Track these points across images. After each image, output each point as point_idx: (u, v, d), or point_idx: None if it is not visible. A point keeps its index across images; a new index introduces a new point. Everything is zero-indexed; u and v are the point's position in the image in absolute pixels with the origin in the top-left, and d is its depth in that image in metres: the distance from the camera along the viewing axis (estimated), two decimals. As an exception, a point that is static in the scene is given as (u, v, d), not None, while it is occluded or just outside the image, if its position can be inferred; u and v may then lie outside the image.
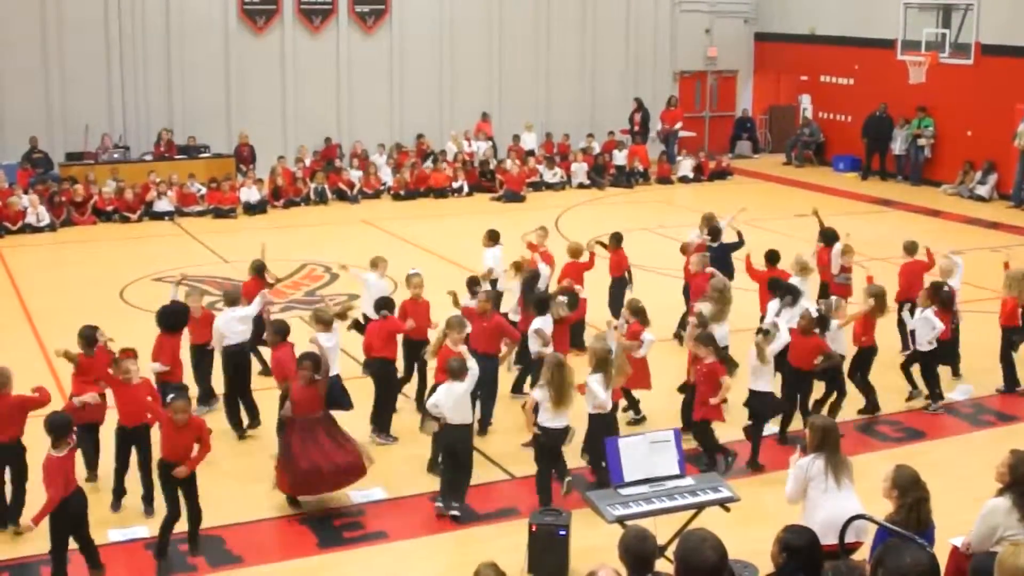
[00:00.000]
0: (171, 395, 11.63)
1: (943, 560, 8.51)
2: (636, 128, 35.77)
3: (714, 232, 18.62)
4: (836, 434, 10.09)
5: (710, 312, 14.82)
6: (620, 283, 18.46)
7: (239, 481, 13.27)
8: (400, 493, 13.08)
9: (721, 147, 38.28)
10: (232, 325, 14.74)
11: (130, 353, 12.51)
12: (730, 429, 14.14)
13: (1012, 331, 16.20)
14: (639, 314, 14.74)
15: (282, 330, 13.95)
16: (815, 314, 14.69)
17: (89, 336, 13.05)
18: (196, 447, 11.43)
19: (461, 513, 12.38)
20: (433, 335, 14.59)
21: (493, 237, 18.37)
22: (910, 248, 17.75)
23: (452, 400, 12.25)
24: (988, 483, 9.26)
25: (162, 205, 28.46)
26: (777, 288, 15.73)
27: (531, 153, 33.91)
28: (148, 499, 12.45)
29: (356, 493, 12.92)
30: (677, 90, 38.11)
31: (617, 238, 18.63)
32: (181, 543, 11.62)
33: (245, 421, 14.76)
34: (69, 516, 10.56)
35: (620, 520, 10.04)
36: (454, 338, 13.38)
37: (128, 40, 31.33)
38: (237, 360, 14.77)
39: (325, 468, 12.40)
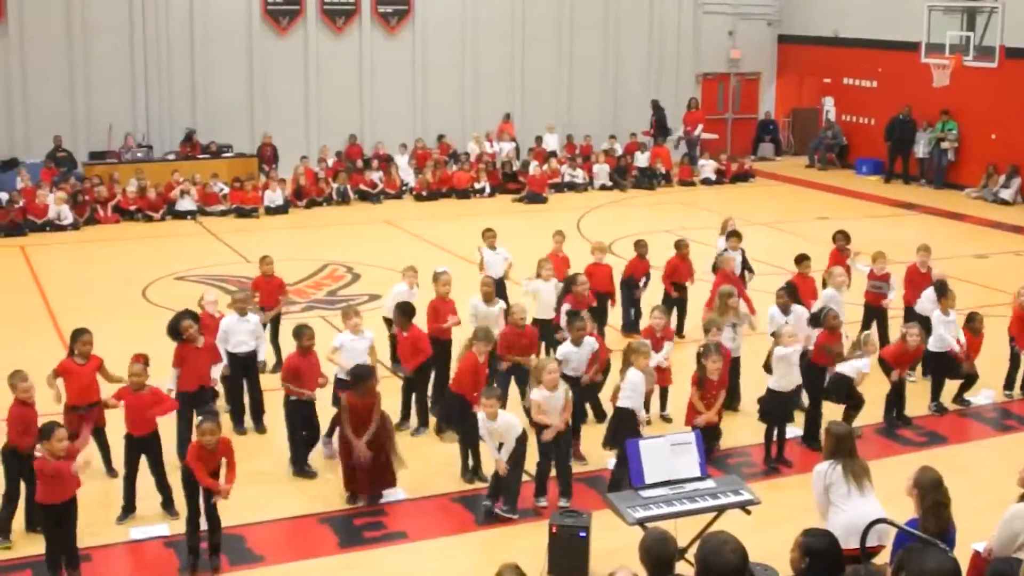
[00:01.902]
0: (200, 418, 11.55)
1: (964, 565, 8.47)
2: (653, 130, 35.75)
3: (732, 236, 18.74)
4: (851, 440, 10.05)
5: (710, 318, 14.90)
6: (630, 286, 18.68)
7: (261, 480, 13.27)
8: (421, 493, 13.08)
9: (743, 149, 38.24)
10: (239, 335, 14.61)
11: (140, 358, 12.50)
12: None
13: None
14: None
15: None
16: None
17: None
18: (224, 467, 11.38)
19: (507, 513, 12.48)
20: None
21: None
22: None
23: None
24: (1011, 488, 9.23)
25: (185, 204, 28.56)
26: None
27: (553, 154, 33.90)
28: (168, 504, 12.46)
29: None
30: (700, 92, 38.11)
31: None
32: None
33: (248, 422, 14.86)
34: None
35: (641, 522, 10.02)
36: (479, 348, 13.42)
37: (152, 40, 31.48)
38: (245, 363, 14.73)
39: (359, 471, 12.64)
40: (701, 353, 13.75)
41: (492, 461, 12.40)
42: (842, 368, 14.42)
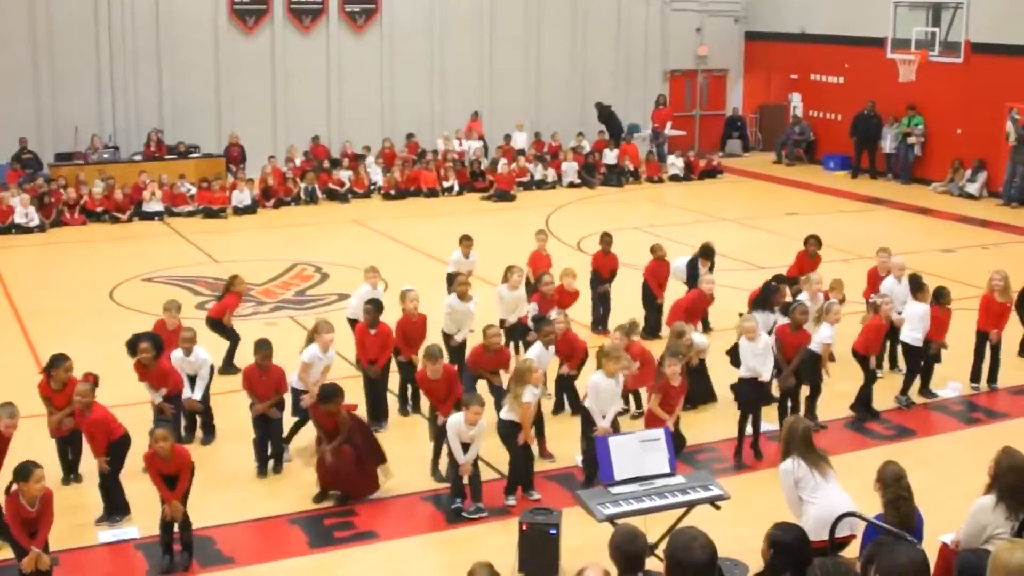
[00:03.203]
0: (153, 426, 11.47)
1: (933, 557, 8.52)
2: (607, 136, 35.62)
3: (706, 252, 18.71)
4: (800, 432, 10.02)
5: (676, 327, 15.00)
6: (597, 282, 18.69)
7: (230, 482, 13.24)
8: (391, 493, 13.05)
9: (711, 146, 38.34)
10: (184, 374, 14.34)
11: (89, 378, 12.41)
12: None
13: None
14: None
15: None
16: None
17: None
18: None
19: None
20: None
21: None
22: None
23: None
24: (978, 480, 9.28)
25: (152, 205, 28.40)
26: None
27: (522, 152, 33.88)
28: (119, 508, 12.38)
29: (347, 493, 12.95)
30: (668, 89, 38.15)
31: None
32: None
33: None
34: None
35: (610, 519, 10.04)
36: (428, 367, 13.38)
37: (118, 40, 31.30)
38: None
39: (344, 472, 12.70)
40: (661, 359, 13.73)
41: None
42: (812, 346, 14.53)
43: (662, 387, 13.17)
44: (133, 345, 13.83)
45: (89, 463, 12.68)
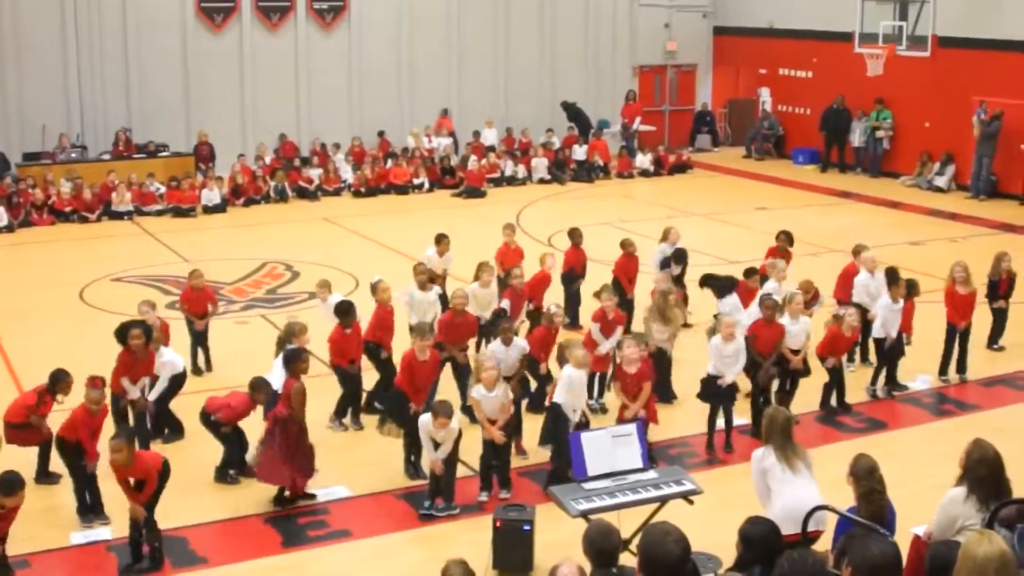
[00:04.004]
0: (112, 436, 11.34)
1: (905, 549, 8.56)
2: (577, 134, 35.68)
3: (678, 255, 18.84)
4: (780, 422, 10.09)
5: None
6: (571, 278, 18.63)
7: (201, 482, 13.18)
8: (363, 491, 13.05)
9: (681, 141, 38.42)
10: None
11: (98, 382, 12.34)
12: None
13: None
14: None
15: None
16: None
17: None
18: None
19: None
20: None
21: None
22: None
23: None
24: (949, 472, 9.32)
25: (121, 205, 28.25)
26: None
27: (492, 148, 33.88)
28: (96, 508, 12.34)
29: (320, 491, 12.90)
30: (637, 84, 38.23)
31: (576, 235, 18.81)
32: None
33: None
34: None
35: (584, 514, 10.05)
36: (417, 343, 13.42)
37: (84, 38, 31.13)
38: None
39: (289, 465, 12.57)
40: (619, 343, 13.71)
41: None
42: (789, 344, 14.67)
43: (618, 372, 13.30)
44: (123, 332, 13.74)
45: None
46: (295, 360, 12.79)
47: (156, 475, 11.29)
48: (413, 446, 13.29)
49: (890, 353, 16.02)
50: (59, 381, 12.99)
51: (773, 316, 14.63)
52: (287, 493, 12.73)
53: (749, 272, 16.86)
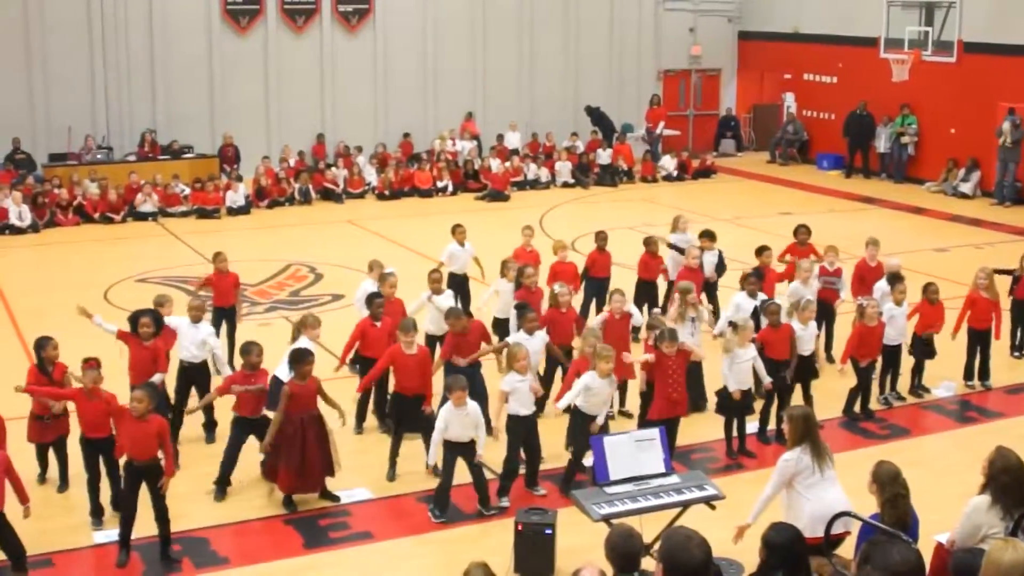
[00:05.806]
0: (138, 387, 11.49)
1: (928, 556, 8.53)
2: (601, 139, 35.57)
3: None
4: (815, 421, 10.15)
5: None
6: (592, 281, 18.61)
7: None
8: (385, 493, 13.06)
9: (705, 145, 38.37)
10: (186, 340, 14.35)
11: (93, 363, 12.23)
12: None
13: None
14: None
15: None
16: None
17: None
18: (160, 453, 11.29)
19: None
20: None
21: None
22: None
23: None
24: (972, 479, 9.29)
25: (146, 206, 28.38)
26: None
27: (515, 152, 33.89)
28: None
29: (342, 493, 12.92)
30: (661, 88, 38.20)
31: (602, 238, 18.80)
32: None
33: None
34: None
35: (606, 519, 10.05)
36: (401, 338, 13.40)
37: (111, 41, 31.27)
38: (192, 374, 14.39)
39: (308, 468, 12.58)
40: (657, 338, 13.43)
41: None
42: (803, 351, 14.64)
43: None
44: (135, 320, 13.77)
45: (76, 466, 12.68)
46: (298, 362, 12.76)
47: (168, 441, 11.40)
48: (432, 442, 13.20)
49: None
50: (42, 347, 12.96)
51: (778, 321, 14.57)
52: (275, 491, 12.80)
53: (761, 250, 17.11)
